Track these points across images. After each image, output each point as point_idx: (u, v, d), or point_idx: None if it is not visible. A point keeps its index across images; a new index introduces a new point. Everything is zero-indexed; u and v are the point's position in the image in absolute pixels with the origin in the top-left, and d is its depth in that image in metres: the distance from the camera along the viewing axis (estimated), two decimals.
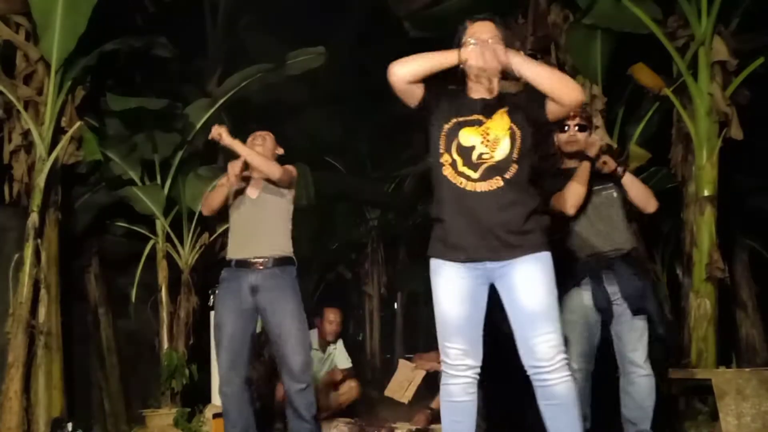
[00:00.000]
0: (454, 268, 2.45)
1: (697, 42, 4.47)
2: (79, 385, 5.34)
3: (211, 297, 3.63)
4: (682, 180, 4.73)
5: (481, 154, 2.43)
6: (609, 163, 3.23)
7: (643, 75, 4.65)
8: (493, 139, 2.45)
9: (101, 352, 5.73)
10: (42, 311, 4.74)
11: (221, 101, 5.53)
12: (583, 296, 3.19)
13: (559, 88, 2.41)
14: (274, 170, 3.50)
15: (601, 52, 4.80)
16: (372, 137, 8.49)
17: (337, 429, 4.57)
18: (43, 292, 4.76)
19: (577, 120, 3.31)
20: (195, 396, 5.38)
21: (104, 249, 5.88)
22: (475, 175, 2.42)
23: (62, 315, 4.95)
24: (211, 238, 5.90)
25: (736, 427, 3.65)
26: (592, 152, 3.20)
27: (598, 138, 3.23)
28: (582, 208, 3.21)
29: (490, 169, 2.41)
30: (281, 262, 3.50)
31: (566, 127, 3.32)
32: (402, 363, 5.51)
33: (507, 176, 2.42)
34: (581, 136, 3.32)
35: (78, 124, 4.98)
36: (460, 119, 2.50)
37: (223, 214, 3.71)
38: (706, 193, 4.45)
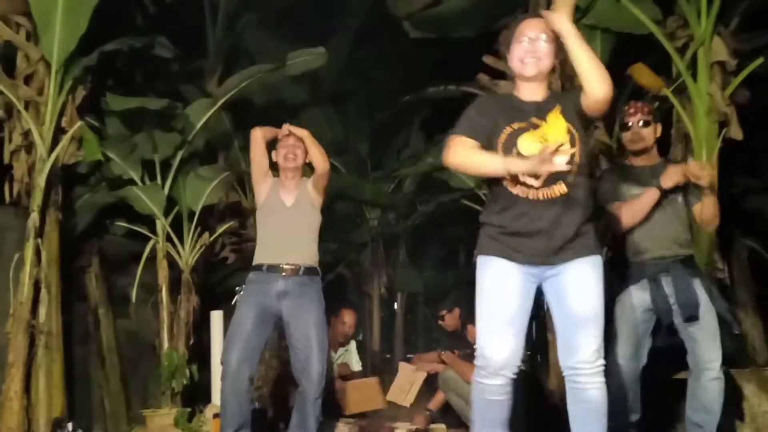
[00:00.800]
0: (507, 265, 2.43)
1: (697, 42, 4.47)
2: (79, 385, 5.35)
3: (236, 297, 3.64)
4: None
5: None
6: (704, 177, 3.12)
7: (643, 75, 4.65)
8: (552, 144, 2.39)
9: (101, 352, 5.74)
10: (42, 311, 4.74)
11: (221, 101, 5.53)
12: (633, 297, 3.18)
13: (595, 74, 2.34)
14: (322, 168, 3.61)
15: (600, 53, 4.79)
16: (372, 137, 8.49)
17: (337, 429, 4.57)
18: (43, 292, 4.76)
19: (639, 116, 3.25)
20: (195, 396, 5.39)
21: (104, 249, 5.88)
22: (536, 183, 2.40)
23: (62, 315, 4.96)
24: (212, 238, 5.91)
25: (736, 427, 3.66)
26: (703, 182, 3.10)
27: (708, 172, 3.12)
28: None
29: (553, 175, 2.37)
30: (310, 271, 3.56)
31: (629, 124, 3.27)
32: (402, 366, 5.52)
33: (569, 180, 2.41)
34: (646, 132, 3.27)
35: (78, 124, 4.99)
36: (515, 126, 2.45)
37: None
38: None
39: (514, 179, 2.42)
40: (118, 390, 5.73)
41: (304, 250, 3.57)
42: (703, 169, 3.17)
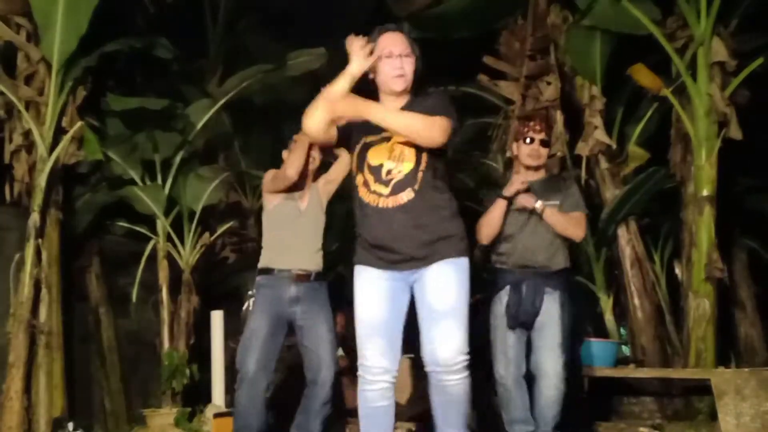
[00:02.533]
0: (375, 274, 2.50)
1: (696, 42, 4.48)
2: (79, 385, 5.35)
3: (247, 302, 3.64)
4: (681, 180, 4.74)
5: (390, 170, 2.46)
6: (526, 202, 3.23)
7: (643, 75, 4.66)
8: (398, 153, 2.47)
9: (102, 351, 5.74)
10: (43, 311, 4.75)
11: (222, 101, 5.54)
12: (499, 304, 3.29)
13: (416, 135, 2.41)
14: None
15: (600, 53, 4.81)
16: None
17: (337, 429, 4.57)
18: (44, 291, 4.76)
19: (542, 135, 3.34)
20: (195, 396, 5.40)
21: (105, 249, 5.88)
22: (386, 191, 2.45)
23: (63, 315, 4.96)
24: (212, 238, 5.91)
25: (735, 427, 3.66)
26: (508, 192, 3.23)
27: (520, 181, 3.24)
28: (518, 221, 3.27)
29: (399, 183, 2.44)
30: (320, 276, 3.56)
31: (529, 140, 3.33)
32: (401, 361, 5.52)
33: (416, 187, 2.44)
34: (544, 151, 3.36)
35: (79, 124, 4.99)
36: (368, 140, 2.53)
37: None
38: (705, 193, 4.46)
39: (365, 185, 2.50)
40: (118, 390, 5.74)
41: (315, 256, 3.59)
42: (517, 182, 3.26)
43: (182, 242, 5.62)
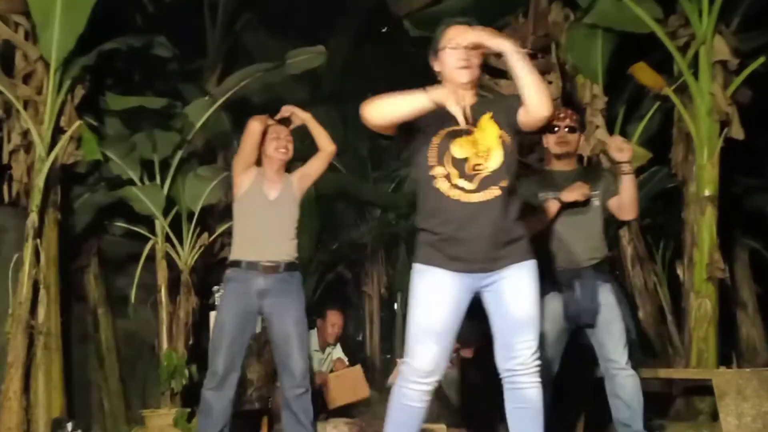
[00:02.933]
0: (443, 275, 2.44)
1: (698, 41, 4.46)
2: (78, 386, 5.34)
3: (215, 295, 3.60)
4: (683, 180, 4.72)
5: (476, 165, 2.42)
6: (625, 151, 3.18)
7: (644, 74, 4.64)
8: (485, 149, 2.43)
9: (101, 352, 5.73)
10: (41, 311, 4.73)
11: (221, 101, 5.52)
12: (558, 304, 3.24)
13: (537, 93, 2.35)
14: (333, 148, 3.64)
15: (601, 52, 4.79)
16: (372, 137, 8.47)
17: (337, 429, 4.56)
18: (42, 292, 4.75)
19: (567, 122, 3.31)
20: (195, 396, 5.35)
21: (103, 249, 5.87)
22: (470, 186, 2.40)
23: (62, 315, 4.95)
24: (211, 238, 5.89)
25: (737, 428, 3.65)
26: (568, 198, 3.20)
27: (581, 188, 3.20)
28: (562, 218, 3.25)
29: (486, 179, 2.40)
30: (291, 267, 3.50)
31: (555, 128, 3.31)
32: (401, 362, 5.51)
33: (502, 184, 2.41)
34: (572, 137, 3.32)
35: (77, 123, 4.97)
36: (449, 130, 2.46)
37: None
38: (706, 192, 4.44)
39: (448, 178, 2.43)
40: (117, 390, 5.72)
41: (285, 246, 3.51)
42: (625, 143, 3.23)
43: (181, 242, 5.60)
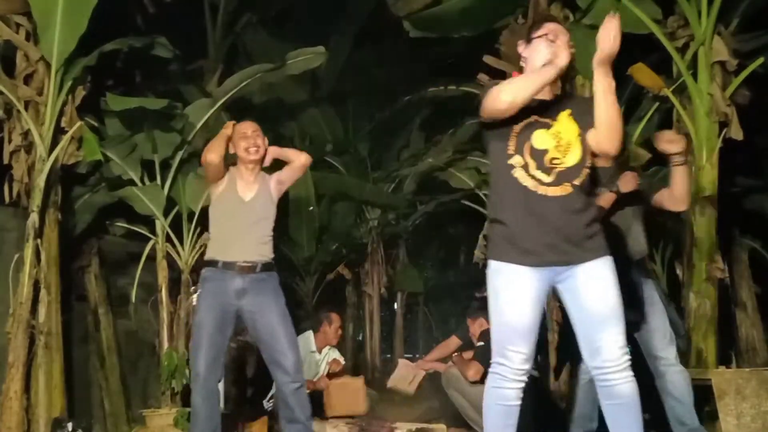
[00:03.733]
0: (520, 271, 2.41)
1: (697, 42, 4.47)
2: (79, 385, 5.34)
3: (194, 297, 3.58)
4: None
5: (554, 158, 2.41)
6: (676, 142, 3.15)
7: (643, 75, 4.65)
8: (565, 143, 2.42)
9: (101, 352, 5.73)
10: (42, 311, 4.73)
11: (221, 101, 5.52)
12: None
13: (609, 131, 2.37)
14: (304, 158, 3.62)
15: None
16: (372, 137, 8.50)
17: (337, 429, 4.56)
18: (43, 292, 4.75)
19: None
20: None
21: (104, 249, 5.88)
22: (547, 179, 2.39)
23: (62, 315, 4.95)
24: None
25: (736, 427, 3.66)
26: (677, 147, 3.14)
27: (681, 138, 3.17)
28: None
29: (562, 174, 2.40)
30: (268, 267, 3.49)
31: None
32: (402, 362, 5.51)
33: (576, 182, 2.41)
34: None
35: (78, 124, 4.98)
36: (532, 119, 2.45)
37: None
38: (706, 193, 4.45)
39: (525, 168, 2.42)
40: (117, 390, 5.73)
41: (262, 247, 3.49)
42: (675, 134, 3.26)
43: (181, 242, 5.61)
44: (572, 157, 2.41)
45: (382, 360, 8.83)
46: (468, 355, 4.61)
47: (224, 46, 6.91)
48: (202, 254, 5.75)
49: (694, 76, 4.50)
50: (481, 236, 6.92)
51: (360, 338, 9.33)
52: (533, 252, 2.40)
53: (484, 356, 4.40)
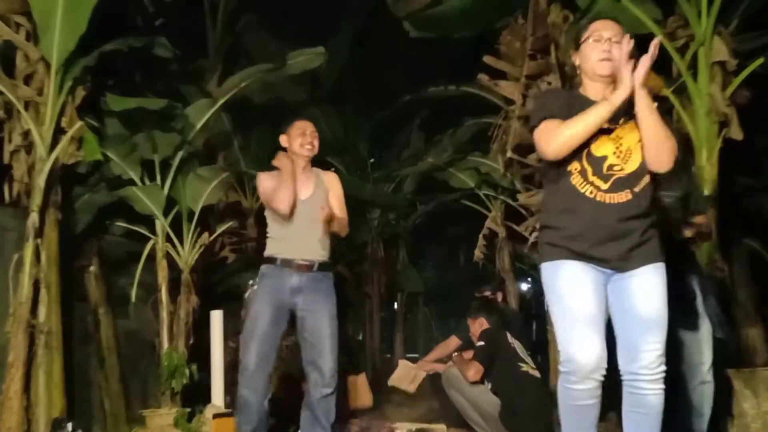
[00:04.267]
0: (578, 266, 2.39)
1: (697, 42, 4.47)
2: (79, 385, 5.33)
3: (249, 290, 3.60)
4: None
5: (612, 165, 2.38)
6: None
7: None
8: (625, 150, 2.39)
9: (101, 352, 5.73)
10: (42, 311, 4.74)
11: (221, 101, 5.52)
12: None
13: (656, 149, 2.35)
14: (347, 229, 3.63)
15: None
16: (372, 137, 8.50)
17: (337, 429, 4.56)
18: (43, 291, 4.75)
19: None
20: (195, 396, 5.38)
21: (104, 249, 5.87)
22: (605, 186, 2.37)
23: (62, 315, 4.94)
24: (211, 238, 5.90)
25: (736, 428, 3.66)
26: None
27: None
28: None
29: (620, 181, 2.38)
30: (325, 266, 3.52)
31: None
32: (402, 362, 5.52)
33: (636, 189, 2.39)
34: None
35: (78, 124, 4.97)
36: None
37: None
38: (706, 193, 4.45)
39: (582, 174, 2.39)
40: (117, 390, 5.72)
41: (319, 246, 3.52)
42: None
43: (181, 242, 5.61)
44: (632, 164, 2.39)
45: (382, 360, 8.83)
46: (468, 355, 4.61)
47: (224, 46, 6.90)
48: (202, 254, 5.78)
49: (694, 76, 4.50)
50: (481, 236, 6.93)
51: (360, 338, 9.33)
52: (585, 255, 2.38)
53: (484, 356, 4.42)
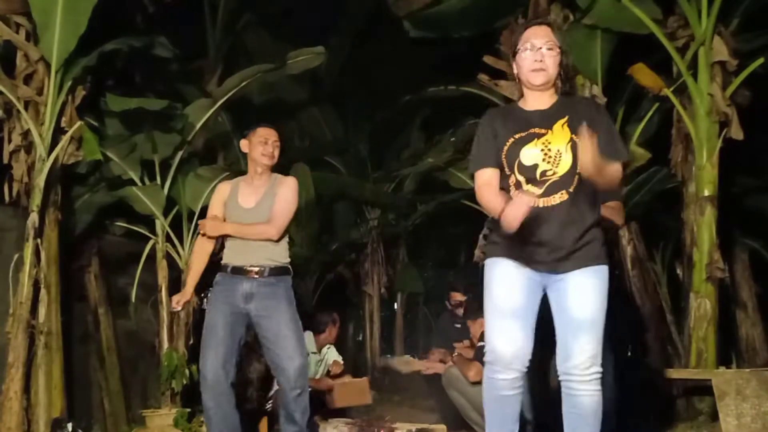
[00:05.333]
0: (512, 264, 2.44)
1: (697, 42, 4.47)
2: (79, 386, 5.34)
3: (204, 300, 3.60)
4: (683, 180, 4.73)
5: (545, 171, 2.40)
6: None
7: (643, 75, 4.64)
8: (554, 154, 2.41)
9: (101, 352, 5.73)
10: (42, 311, 4.73)
11: (221, 101, 5.52)
12: None
13: (604, 185, 2.39)
14: (271, 232, 3.48)
15: (601, 52, 4.80)
16: (372, 137, 8.49)
17: (337, 429, 4.56)
18: (43, 292, 4.75)
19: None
20: (195, 396, 5.35)
21: (104, 249, 5.87)
22: (539, 191, 2.40)
23: (62, 315, 4.95)
24: None
25: (736, 428, 3.65)
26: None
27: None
28: None
29: (554, 184, 2.40)
30: (277, 271, 3.50)
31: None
32: (398, 360, 5.52)
33: (571, 189, 2.40)
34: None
35: (78, 124, 4.97)
36: (517, 137, 2.45)
37: None
38: (706, 193, 4.45)
39: (517, 186, 2.44)
40: (117, 390, 5.72)
41: (268, 251, 3.49)
42: None
43: (181, 242, 5.60)
44: (563, 166, 2.40)
45: (382, 360, 8.82)
46: (468, 355, 4.61)
47: (224, 46, 6.90)
48: None
49: (694, 76, 4.50)
50: (481, 236, 6.90)
51: (360, 338, 9.33)
52: (525, 257, 2.43)
53: (484, 356, 4.41)
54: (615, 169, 2.38)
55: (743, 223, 6.15)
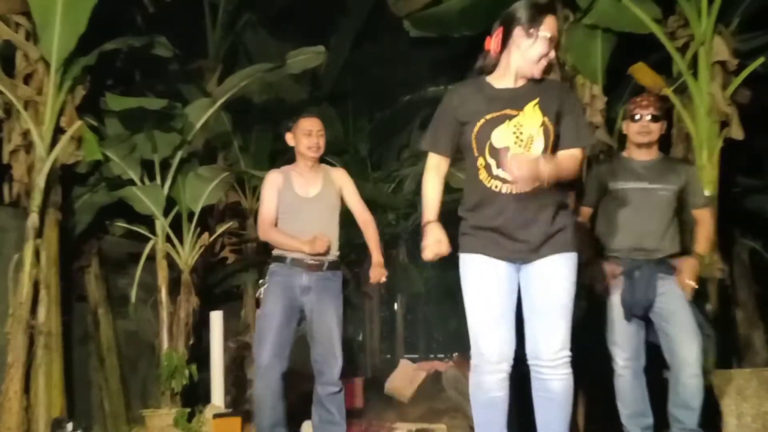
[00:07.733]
0: (488, 261, 2.44)
1: (698, 42, 4.46)
2: (79, 386, 5.34)
3: (260, 290, 3.59)
4: None
5: (516, 155, 2.37)
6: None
7: (643, 75, 4.64)
8: (526, 138, 2.39)
9: (101, 352, 5.72)
10: (42, 311, 4.73)
11: (221, 101, 5.52)
12: (614, 295, 3.24)
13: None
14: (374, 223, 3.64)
15: (601, 52, 4.79)
16: (372, 137, 8.49)
17: None
18: (42, 292, 4.75)
19: (650, 110, 3.25)
20: (195, 396, 5.39)
21: (104, 249, 5.87)
22: (511, 177, 2.37)
23: (62, 315, 4.95)
24: (211, 239, 5.90)
25: (737, 428, 3.65)
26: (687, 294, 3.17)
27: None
28: (627, 203, 3.22)
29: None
30: (333, 265, 3.53)
31: (637, 117, 3.26)
32: (403, 363, 5.52)
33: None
34: (654, 126, 3.27)
35: (78, 123, 4.97)
36: (488, 117, 2.42)
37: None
38: (706, 193, 4.44)
39: (487, 169, 2.43)
40: (117, 390, 5.72)
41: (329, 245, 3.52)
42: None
43: (181, 242, 5.60)
44: (535, 150, 2.39)
45: (382, 360, 8.83)
46: (469, 355, 4.60)
47: (224, 46, 6.89)
48: (202, 254, 5.77)
49: (695, 75, 4.49)
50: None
51: (360, 338, 9.33)
52: (496, 246, 2.43)
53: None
54: (571, 160, 2.39)
55: (743, 223, 6.14)
